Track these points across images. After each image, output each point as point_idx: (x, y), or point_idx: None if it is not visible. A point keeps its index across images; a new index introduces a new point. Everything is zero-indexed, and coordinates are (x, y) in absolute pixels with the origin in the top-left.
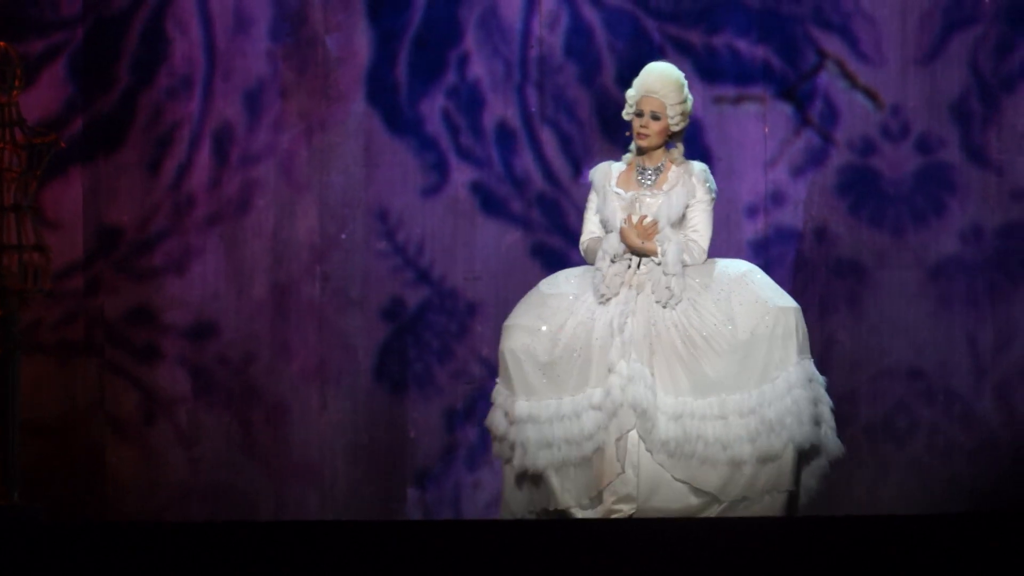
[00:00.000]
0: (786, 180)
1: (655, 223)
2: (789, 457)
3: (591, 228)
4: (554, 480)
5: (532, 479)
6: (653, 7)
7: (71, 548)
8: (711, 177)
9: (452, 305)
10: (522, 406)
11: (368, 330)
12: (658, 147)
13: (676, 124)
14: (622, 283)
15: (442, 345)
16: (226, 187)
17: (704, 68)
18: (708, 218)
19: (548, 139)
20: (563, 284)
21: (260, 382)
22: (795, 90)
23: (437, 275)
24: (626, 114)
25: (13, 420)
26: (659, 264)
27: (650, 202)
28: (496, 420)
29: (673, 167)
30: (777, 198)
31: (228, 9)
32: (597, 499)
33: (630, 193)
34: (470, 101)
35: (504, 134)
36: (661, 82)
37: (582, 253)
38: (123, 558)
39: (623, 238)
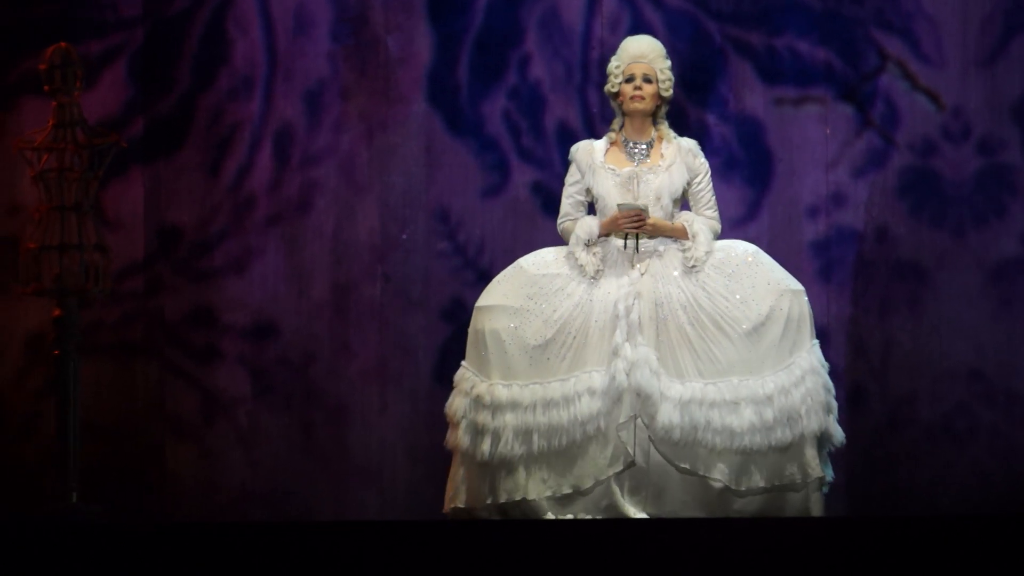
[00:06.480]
0: (847, 181)
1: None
2: (811, 445)
3: (568, 209)
4: (522, 471)
5: (497, 470)
6: (714, 8)
7: (130, 549)
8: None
9: None
10: (501, 391)
11: (428, 331)
12: (650, 113)
13: (666, 89)
14: (598, 269)
15: None
16: (286, 188)
17: (765, 69)
18: (714, 193)
19: None
20: (553, 264)
21: (320, 383)
22: (856, 91)
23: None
24: (612, 85)
25: (73, 421)
26: (686, 250)
27: (651, 178)
28: (458, 405)
29: (664, 142)
30: (838, 199)
31: (289, 10)
32: (583, 492)
33: (626, 169)
34: (531, 102)
35: (565, 135)
36: (649, 47)
37: (560, 233)
38: (182, 559)
39: (655, 228)
